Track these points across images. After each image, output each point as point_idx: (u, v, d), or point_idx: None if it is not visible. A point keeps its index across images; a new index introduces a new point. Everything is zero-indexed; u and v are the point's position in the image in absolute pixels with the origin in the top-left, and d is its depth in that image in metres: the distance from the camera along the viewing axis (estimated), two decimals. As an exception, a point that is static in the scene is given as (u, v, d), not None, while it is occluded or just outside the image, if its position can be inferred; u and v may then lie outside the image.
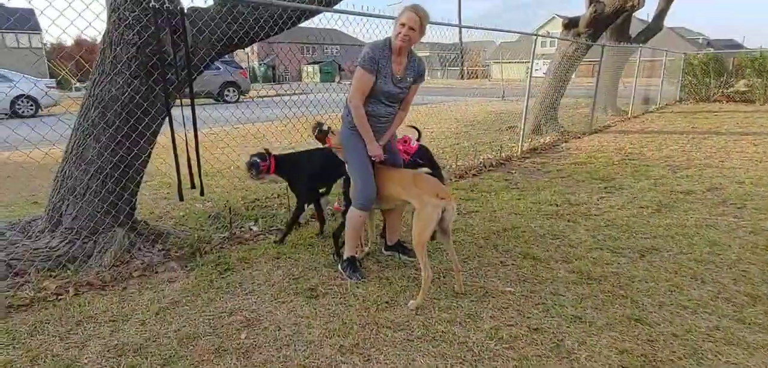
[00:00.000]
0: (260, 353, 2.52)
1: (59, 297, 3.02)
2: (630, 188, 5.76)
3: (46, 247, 3.32)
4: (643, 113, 14.55)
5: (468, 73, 36.33)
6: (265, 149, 3.97)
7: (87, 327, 2.73)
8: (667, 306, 2.98)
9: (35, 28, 32.84)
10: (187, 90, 3.48)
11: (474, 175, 6.55)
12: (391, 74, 3.12)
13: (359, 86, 3.09)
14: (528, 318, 2.86)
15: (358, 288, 3.23)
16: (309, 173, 3.99)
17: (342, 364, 2.43)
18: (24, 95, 12.98)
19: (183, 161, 3.48)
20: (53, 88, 14.62)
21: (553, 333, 2.70)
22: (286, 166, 4.01)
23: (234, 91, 18.63)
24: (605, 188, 5.80)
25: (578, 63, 10.25)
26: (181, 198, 3.56)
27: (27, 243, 3.35)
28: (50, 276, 3.20)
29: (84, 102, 3.48)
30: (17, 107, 13.16)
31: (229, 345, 2.59)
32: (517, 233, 4.26)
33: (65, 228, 3.44)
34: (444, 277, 3.38)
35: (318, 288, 3.23)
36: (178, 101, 3.66)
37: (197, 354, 2.49)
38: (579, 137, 9.87)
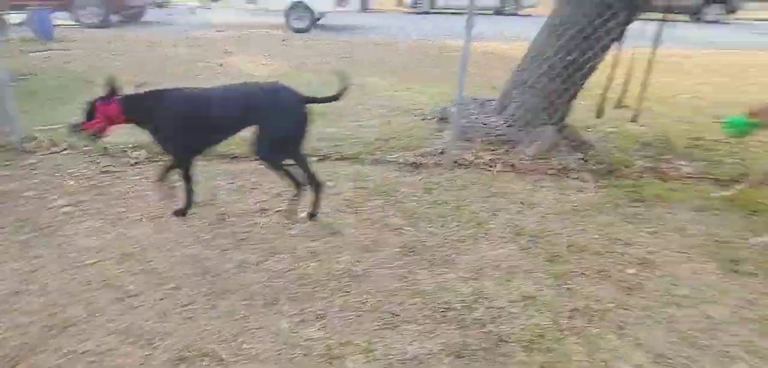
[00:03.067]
0: (642, 297, 2.33)
1: (489, 168, 3.62)
2: None
3: (491, 124, 3.96)
4: None
5: None
6: None
7: (500, 201, 3.19)
8: None
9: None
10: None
11: None
12: None
13: None
14: None
15: (805, 287, 2.42)
16: None
17: (742, 361, 1.96)
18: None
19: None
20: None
21: None
22: None
23: (718, 7, 15.62)
24: None
25: None
26: (598, 116, 3.49)
27: (480, 117, 4.10)
28: (488, 148, 3.85)
29: (560, 2, 3.74)
30: (504, 5, 15.44)
31: (614, 272, 2.50)
32: None
33: (509, 114, 3.98)
34: None
35: (744, 262, 2.60)
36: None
37: (580, 266, 2.54)
38: None
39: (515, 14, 16.22)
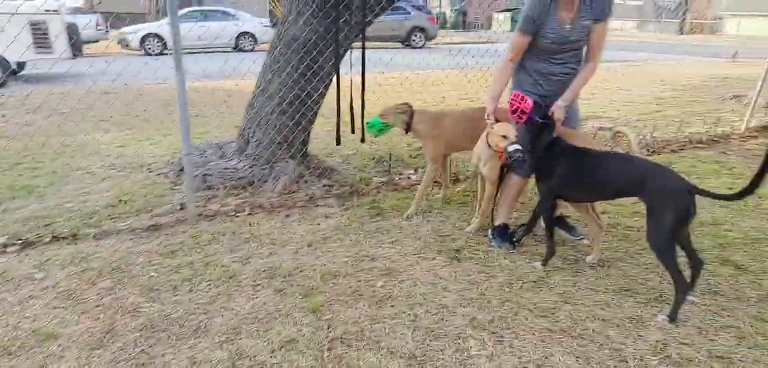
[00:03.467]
0: (392, 305, 2.52)
1: (237, 214, 3.47)
2: None
3: (233, 168, 3.81)
4: None
5: (690, 27, 30.48)
6: None
7: (252, 246, 3.07)
8: None
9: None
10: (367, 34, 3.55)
11: (674, 151, 5.51)
12: (557, 23, 2.70)
13: (512, 46, 2.86)
14: (711, 340, 2.30)
15: (504, 258, 3.00)
16: None
17: (471, 338, 2.29)
18: (247, 32, 15.13)
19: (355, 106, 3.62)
20: (269, 26, 16.73)
21: (744, 368, 2.12)
22: None
23: (421, 36, 18.84)
24: None
25: None
26: (338, 142, 3.73)
27: (220, 163, 3.90)
28: (233, 193, 3.69)
29: (273, 41, 3.82)
30: (240, 42, 15.43)
31: (366, 290, 2.64)
32: (719, 231, 3.44)
33: (249, 154, 3.89)
34: (609, 266, 2.92)
35: (463, 251, 3.09)
36: (357, 44, 3.77)
37: (335, 293, 2.61)
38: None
39: (253, 50, 16.37)
